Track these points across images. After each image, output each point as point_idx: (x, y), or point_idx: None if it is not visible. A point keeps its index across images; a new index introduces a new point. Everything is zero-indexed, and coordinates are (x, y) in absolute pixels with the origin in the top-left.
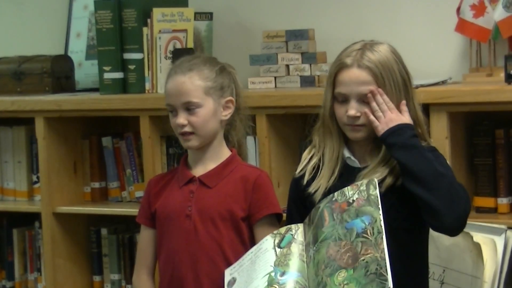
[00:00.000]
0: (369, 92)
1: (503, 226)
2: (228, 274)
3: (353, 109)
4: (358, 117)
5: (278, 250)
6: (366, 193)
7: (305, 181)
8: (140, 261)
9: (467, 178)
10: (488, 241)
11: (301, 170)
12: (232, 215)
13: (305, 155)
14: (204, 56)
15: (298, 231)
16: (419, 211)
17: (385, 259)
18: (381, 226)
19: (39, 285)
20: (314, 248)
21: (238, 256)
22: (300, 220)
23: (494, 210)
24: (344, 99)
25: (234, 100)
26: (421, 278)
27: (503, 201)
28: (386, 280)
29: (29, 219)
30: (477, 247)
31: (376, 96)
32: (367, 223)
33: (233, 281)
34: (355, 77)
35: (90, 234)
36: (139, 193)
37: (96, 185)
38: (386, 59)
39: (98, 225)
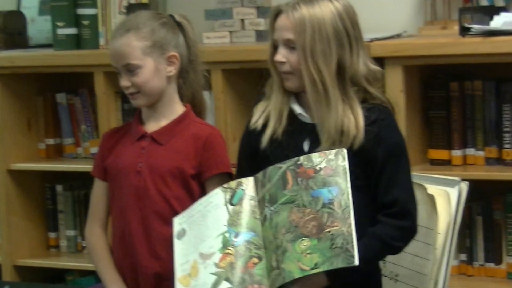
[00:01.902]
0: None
1: (456, 178)
2: (177, 223)
3: (278, 54)
4: (284, 63)
5: (230, 207)
6: (335, 163)
7: (256, 134)
8: (93, 214)
9: (421, 131)
10: (442, 193)
11: (254, 123)
12: (182, 173)
13: (258, 108)
14: (146, 13)
15: (248, 185)
16: (368, 170)
17: (351, 235)
18: (348, 199)
19: None
20: (273, 208)
21: None
22: (250, 174)
23: (448, 162)
24: (275, 46)
25: (178, 55)
26: None
27: (457, 153)
28: (353, 256)
29: None
30: (431, 199)
31: None
32: (334, 194)
33: (182, 232)
34: (283, 23)
35: (45, 191)
36: (94, 150)
37: (51, 141)
38: (319, 14)
39: (53, 182)
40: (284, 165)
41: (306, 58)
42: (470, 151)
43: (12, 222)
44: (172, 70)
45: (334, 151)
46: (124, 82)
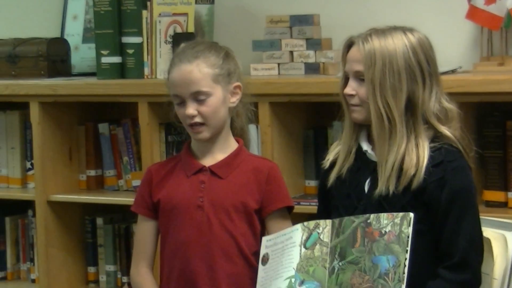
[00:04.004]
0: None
1: None
2: (264, 245)
3: (349, 86)
4: (353, 96)
5: (303, 250)
6: (398, 228)
7: (326, 172)
8: (139, 254)
9: (476, 171)
10: (499, 237)
11: (325, 161)
12: (245, 207)
13: (332, 146)
14: (207, 41)
15: (325, 229)
16: (431, 215)
17: None
18: (403, 273)
19: (32, 275)
20: (341, 263)
21: (251, 249)
22: (325, 212)
23: (504, 205)
24: (347, 78)
25: (241, 86)
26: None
27: None
28: None
29: (22, 207)
30: (487, 242)
31: None
32: (391, 265)
33: (266, 258)
34: (354, 55)
35: (85, 224)
36: (136, 182)
37: (92, 173)
38: (390, 47)
39: (93, 214)
40: (356, 220)
41: (374, 92)
42: None
43: (51, 254)
44: (235, 101)
45: (400, 214)
46: (190, 110)
